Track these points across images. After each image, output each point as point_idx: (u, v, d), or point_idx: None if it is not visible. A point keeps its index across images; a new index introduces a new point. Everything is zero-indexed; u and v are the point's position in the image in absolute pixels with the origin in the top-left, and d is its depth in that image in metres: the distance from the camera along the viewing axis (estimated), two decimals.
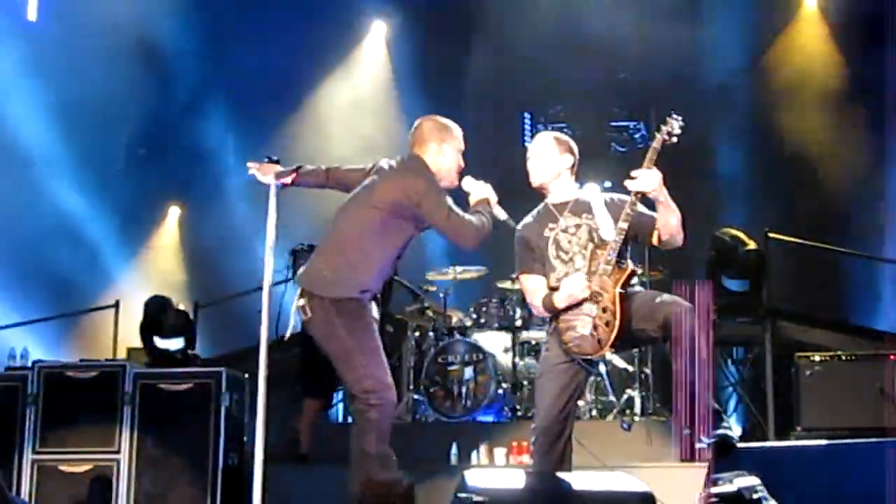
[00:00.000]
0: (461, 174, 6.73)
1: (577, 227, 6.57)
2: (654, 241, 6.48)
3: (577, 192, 6.74)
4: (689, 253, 6.56)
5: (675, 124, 6.41)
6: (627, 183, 6.35)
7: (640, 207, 6.40)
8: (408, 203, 6.47)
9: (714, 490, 5.29)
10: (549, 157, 6.71)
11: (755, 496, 5.38)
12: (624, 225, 6.36)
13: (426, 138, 6.72)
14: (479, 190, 6.66)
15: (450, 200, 6.54)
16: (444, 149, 6.69)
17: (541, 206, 6.78)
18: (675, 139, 6.39)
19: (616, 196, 6.70)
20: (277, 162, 7.00)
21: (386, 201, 6.52)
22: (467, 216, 6.49)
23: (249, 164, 7.01)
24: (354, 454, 6.46)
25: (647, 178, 6.29)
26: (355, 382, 6.43)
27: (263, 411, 6.78)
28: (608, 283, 6.33)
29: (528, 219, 6.75)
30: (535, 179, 6.70)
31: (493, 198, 6.64)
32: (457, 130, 6.80)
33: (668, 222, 6.37)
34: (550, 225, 6.61)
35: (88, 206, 13.68)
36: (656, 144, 6.40)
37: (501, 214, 6.68)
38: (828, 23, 13.11)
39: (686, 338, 6.13)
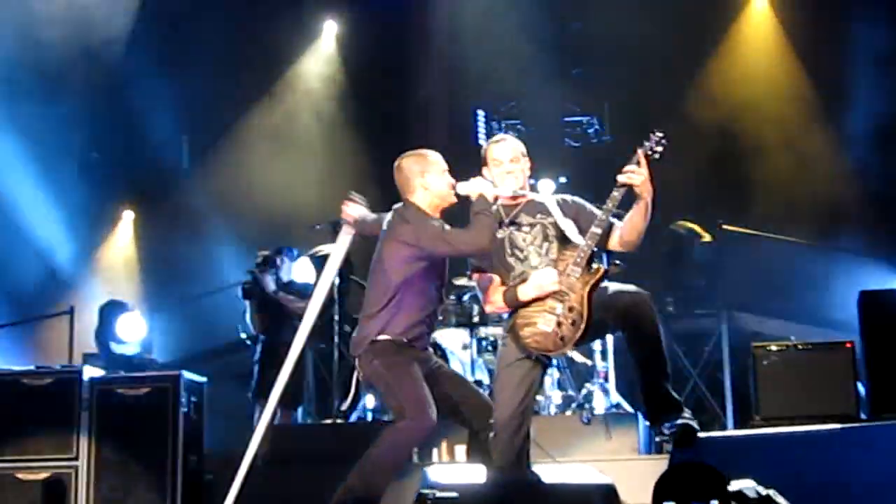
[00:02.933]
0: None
1: (532, 225, 6.57)
2: (615, 243, 6.50)
3: (530, 195, 6.74)
4: (645, 246, 6.56)
5: (656, 142, 6.40)
6: (619, 176, 6.32)
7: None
8: (414, 251, 6.62)
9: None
10: (524, 167, 6.73)
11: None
12: (597, 231, 6.36)
13: (409, 178, 6.81)
14: (472, 188, 6.66)
15: (442, 225, 6.67)
16: (428, 180, 6.77)
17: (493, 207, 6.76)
18: (656, 156, 6.39)
19: (568, 196, 6.72)
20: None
21: (395, 260, 6.70)
22: (467, 228, 6.54)
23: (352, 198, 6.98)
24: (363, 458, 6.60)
25: (639, 174, 6.30)
26: (395, 411, 6.67)
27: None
28: (576, 285, 6.33)
29: None
30: (511, 186, 6.67)
31: (487, 188, 6.64)
32: (432, 155, 6.87)
33: (640, 224, 6.38)
34: (503, 226, 6.61)
35: (41, 212, 13.58)
36: (637, 160, 6.39)
37: (506, 192, 6.66)
38: (777, 15, 13.18)
39: (644, 327, 6.15)
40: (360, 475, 6.50)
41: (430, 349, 6.93)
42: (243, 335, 10.93)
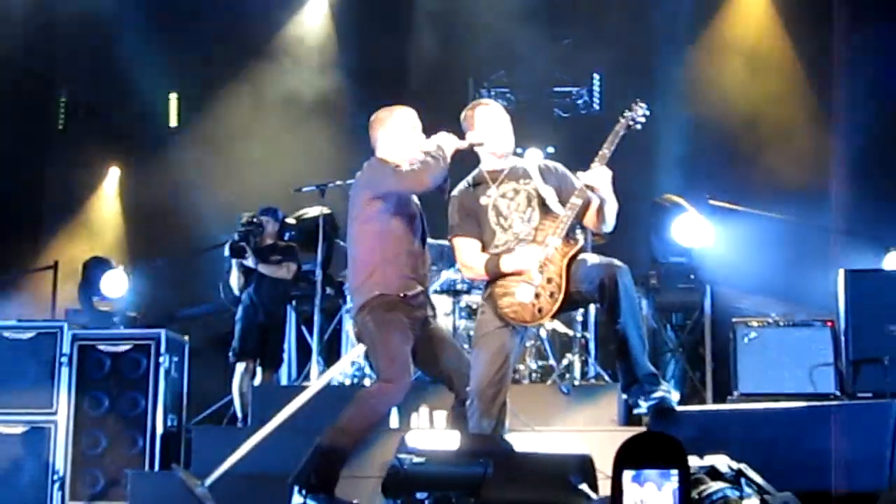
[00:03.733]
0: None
1: (516, 192, 6.60)
2: (589, 222, 6.56)
3: (513, 160, 6.75)
4: (630, 219, 6.60)
5: (639, 111, 6.47)
6: (580, 174, 6.38)
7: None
8: (370, 194, 6.77)
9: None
10: (510, 126, 6.77)
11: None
12: (577, 201, 6.41)
13: (374, 134, 7.01)
14: (434, 141, 6.74)
15: (396, 166, 6.78)
16: (389, 133, 6.93)
17: (475, 172, 6.78)
18: (638, 126, 6.43)
19: (551, 163, 6.75)
20: None
21: (359, 207, 6.85)
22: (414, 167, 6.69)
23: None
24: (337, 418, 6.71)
25: (601, 175, 6.33)
26: (377, 369, 6.83)
27: None
28: (556, 256, 6.35)
29: (462, 185, 6.76)
30: (509, 144, 6.71)
31: (448, 139, 6.72)
32: (399, 111, 7.02)
33: (606, 212, 6.43)
34: (487, 192, 6.63)
35: (27, 166, 13.55)
36: (619, 129, 6.45)
37: (462, 144, 6.72)
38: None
39: (623, 299, 6.17)
40: (331, 435, 6.57)
41: (429, 308, 6.95)
42: (224, 296, 10.90)
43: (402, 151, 6.86)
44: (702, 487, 5.24)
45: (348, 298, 6.99)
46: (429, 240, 7.07)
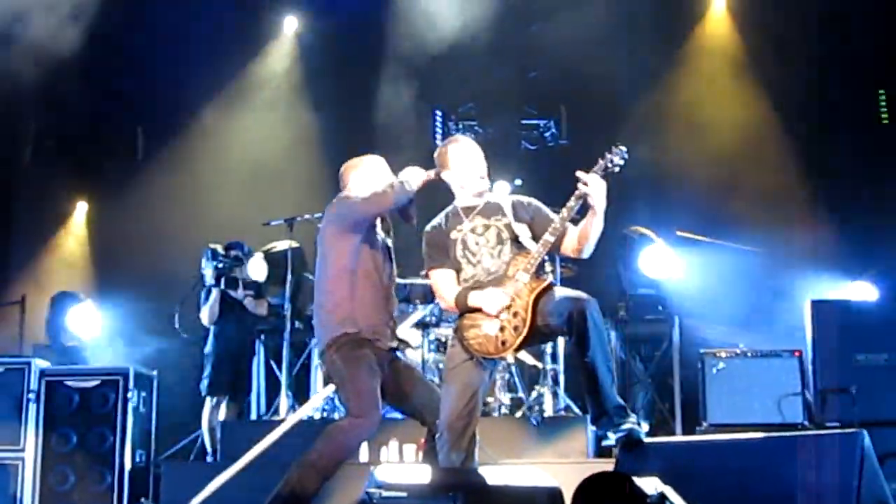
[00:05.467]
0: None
1: (486, 227, 6.63)
2: (567, 248, 6.57)
3: (487, 196, 6.78)
4: (598, 251, 6.62)
5: (618, 156, 6.47)
6: (580, 185, 6.36)
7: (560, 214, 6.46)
8: (336, 229, 6.87)
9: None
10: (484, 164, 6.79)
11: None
12: (550, 238, 6.43)
13: (347, 178, 7.13)
14: (401, 174, 6.84)
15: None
16: (362, 176, 7.05)
17: (450, 208, 6.82)
18: (616, 169, 6.45)
19: (525, 198, 6.77)
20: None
21: (326, 245, 6.94)
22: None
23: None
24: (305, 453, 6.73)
25: (597, 186, 6.34)
26: (347, 405, 6.84)
27: None
28: (524, 291, 6.39)
29: (436, 221, 6.80)
30: (483, 183, 6.73)
31: (412, 172, 6.83)
32: (369, 157, 7.17)
33: (592, 234, 6.46)
34: (458, 227, 6.66)
35: None
36: (597, 170, 6.44)
37: (430, 174, 6.84)
38: (736, 22, 13.25)
39: (591, 332, 6.19)
40: (299, 471, 6.56)
41: (396, 346, 6.95)
42: (180, 328, 10.82)
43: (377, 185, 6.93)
44: None
45: (315, 335, 6.97)
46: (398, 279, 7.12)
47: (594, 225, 6.43)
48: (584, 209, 6.44)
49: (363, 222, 6.80)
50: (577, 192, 6.37)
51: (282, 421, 9.76)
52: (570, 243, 6.56)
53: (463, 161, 6.75)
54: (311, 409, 8.60)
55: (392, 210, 6.80)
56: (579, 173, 6.39)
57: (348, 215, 6.82)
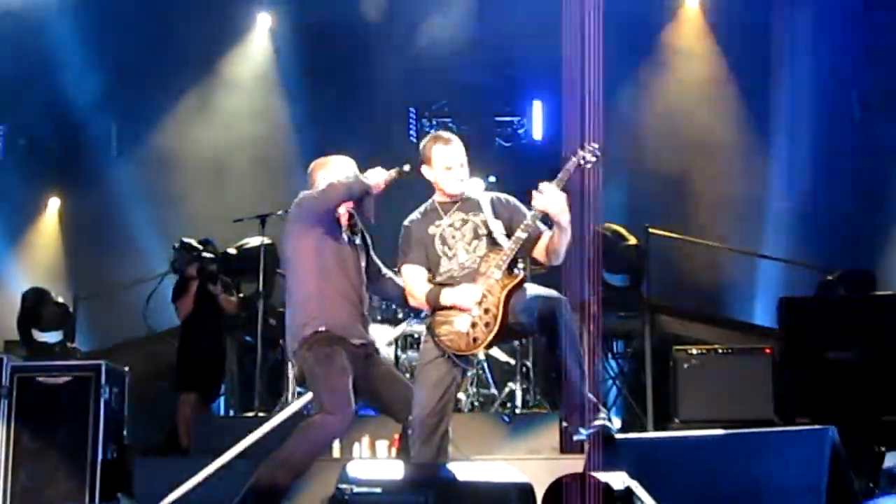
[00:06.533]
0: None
1: (464, 222, 6.62)
2: (538, 253, 6.58)
3: (466, 192, 6.78)
4: (570, 248, 6.62)
5: (590, 152, 6.46)
6: (534, 201, 6.38)
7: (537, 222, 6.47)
8: (300, 226, 6.81)
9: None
10: (466, 165, 6.77)
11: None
12: (522, 235, 6.42)
13: (315, 176, 7.02)
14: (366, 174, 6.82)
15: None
16: (330, 175, 6.90)
17: (428, 203, 6.80)
18: (589, 165, 6.45)
19: (503, 196, 6.76)
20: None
21: (292, 244, 6.87)
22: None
23: None
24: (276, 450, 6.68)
25: (554, 198, 6.34)
26: (319, 402, 6.73)
27: None
28: (496, 287, 6.39)
29: (414, 215, 6.78)
30: (461, 189, 6.73)
31: (374, 171, 6.81)
32: (337, 156, 7.07)
33: (560, 244, 6.45)
34: (437, 222, 6.66)
35: None
36: (570, 167, 6.44)
37: (391, 174, 6.80)
38: (708, 21, 13.30)
39: (562, 330, 6.21)
40: (270, 468, 6.54)
41: (369, 343, 6.95)
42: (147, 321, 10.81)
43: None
44: None
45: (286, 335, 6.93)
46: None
47: (561, 238, 6.43)
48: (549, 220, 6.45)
49: (323, 216, 6.75)
50: (534, 206, 6.38)
51: (255, 416, 9.80)
52: (539, 252, 6.59)
53: (443, 163, 6.74)
54: (292, 412, 8.53)
55: (346, 202, 6.76)
56: (541, 186, 6.40)
57: (304, 211, 6.80)
